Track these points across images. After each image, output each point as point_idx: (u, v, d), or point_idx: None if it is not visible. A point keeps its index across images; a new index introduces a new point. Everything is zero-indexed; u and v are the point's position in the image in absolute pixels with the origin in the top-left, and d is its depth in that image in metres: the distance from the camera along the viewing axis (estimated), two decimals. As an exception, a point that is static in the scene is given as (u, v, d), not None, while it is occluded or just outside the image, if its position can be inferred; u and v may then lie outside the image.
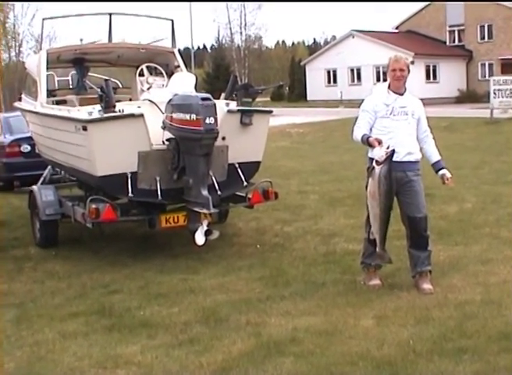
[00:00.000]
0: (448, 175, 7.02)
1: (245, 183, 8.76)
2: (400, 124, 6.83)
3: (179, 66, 11.04)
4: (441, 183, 7.18)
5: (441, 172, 7.04)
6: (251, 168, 8.88)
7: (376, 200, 6.61)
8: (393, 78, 6.86)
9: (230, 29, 73.26)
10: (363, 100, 7.16)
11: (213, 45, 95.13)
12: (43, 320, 6.62)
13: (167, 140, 8.20)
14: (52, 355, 5.69)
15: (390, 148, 6.47)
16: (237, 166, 8.65)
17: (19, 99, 12.33)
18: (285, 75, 70.92)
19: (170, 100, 8.05)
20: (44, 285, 7.94)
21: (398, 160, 6.61)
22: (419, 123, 7.01)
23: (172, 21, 11.04)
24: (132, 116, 8.06)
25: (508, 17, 51.01)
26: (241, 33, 72.70)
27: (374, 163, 6.54)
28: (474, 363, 5.05)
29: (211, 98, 7.94)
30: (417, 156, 6.96)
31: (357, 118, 7.05)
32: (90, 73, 12.38)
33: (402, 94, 6.90)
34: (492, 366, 4.99)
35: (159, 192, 8.14)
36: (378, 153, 6.50)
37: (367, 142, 6.70)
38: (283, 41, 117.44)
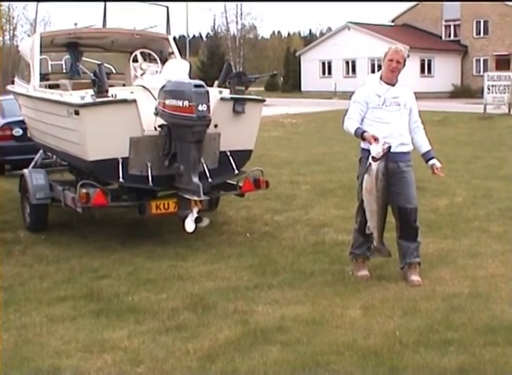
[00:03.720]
0: (438, 165, 7.02)
1: (236, 172, 8.76)
2: (393, 115, 6.81)
3: (173, 53, 11.00)
4: (432, 177, 7.18)
5: (431, 162, 7.04)
6: (243, 156, 8.88)
7: (373, 195, 6.61)
8: (388, 68, 6.82)
9: (226, 18, 73.36)
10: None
11: (208, 34, 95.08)
12: (31, 304, 6.61)
13: (159, 126, 8.19)
14: (39, 339, 5.69)
15: (386, 145, 6.48)
16: (229, 153, 8.65)
17: (12, 82, 12.28)
18: (280, 65, 70.82)
19: (163, 86, 8.03)
20: (33, 269, 7.93)
21: (390, 151, 6.59)
22: (410, 113, 7.00)
23: (167, 8, 11.02)
24: (125, 101, 8.04)
25: (504, 13, 51.13)
26: (237, 22, 72.72)
27: (370, 159, 6.54)
28: (459, 355, 5.07)
29: (205, 85, 7.93)
30: (409, 147, 6.95)
31: (348, 109, 7.04)
32: (83, 58, 12.34)
33: (394, 85, 6.89)
34: (477, 358, 5.02)
35: (150, 178, 8.13)
36: (375, 149, 6.50)
37: (361, 137, 6.69)
38: (279, 32, 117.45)
